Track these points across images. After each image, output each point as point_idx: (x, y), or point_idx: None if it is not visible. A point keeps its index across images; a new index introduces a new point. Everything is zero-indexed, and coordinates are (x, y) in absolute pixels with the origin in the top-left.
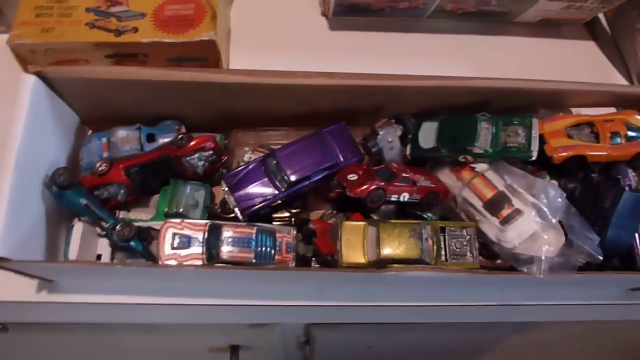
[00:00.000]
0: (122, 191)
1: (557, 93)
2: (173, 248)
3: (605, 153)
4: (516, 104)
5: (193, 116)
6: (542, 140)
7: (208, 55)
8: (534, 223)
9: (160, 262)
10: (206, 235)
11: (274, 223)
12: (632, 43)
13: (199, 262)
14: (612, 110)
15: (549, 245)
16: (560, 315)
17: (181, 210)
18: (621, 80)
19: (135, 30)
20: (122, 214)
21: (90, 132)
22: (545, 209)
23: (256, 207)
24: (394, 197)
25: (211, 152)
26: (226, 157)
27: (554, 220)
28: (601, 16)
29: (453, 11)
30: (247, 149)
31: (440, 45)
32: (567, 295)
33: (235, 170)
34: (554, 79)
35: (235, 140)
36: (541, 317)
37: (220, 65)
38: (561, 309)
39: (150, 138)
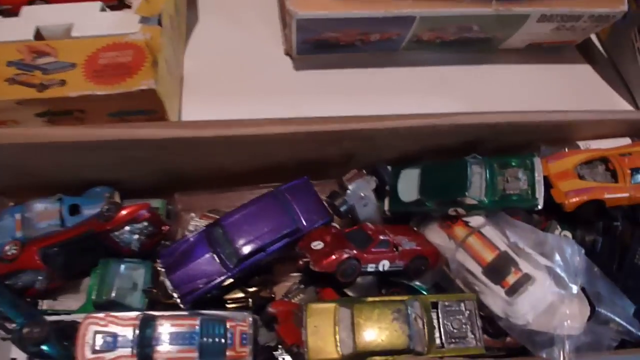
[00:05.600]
0: (39, 278)
1: (561, 126)
2: (95, 351)
3: (626, 195)
4: (512, 141)
5: (129, 180)
6: (547, 184)
7: (153, 107)
8: (549, 292)
9: None
10: (137, 332)
11: (228, 307)
12: (634, 63)
13: None
14: (627, 141)
15: (571, 320)
16: None
17: (113, 296)
18: (625, 106)
19: (63, 83)
20: (46, 304)
21: (11, 204)
22: (562, 273)
23: (199, 291)
24: (371, 267)
25: (146, 223)
26: (168, 228)
27: (574, 288)
28: (594, 38)
29: (431, 41)
30: (193, 214)
31: (421, 80)
32: None
33: (173, 246)
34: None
35: (181, 206)
36: None
37: (166, 118)
38: None
39: (74, 210)
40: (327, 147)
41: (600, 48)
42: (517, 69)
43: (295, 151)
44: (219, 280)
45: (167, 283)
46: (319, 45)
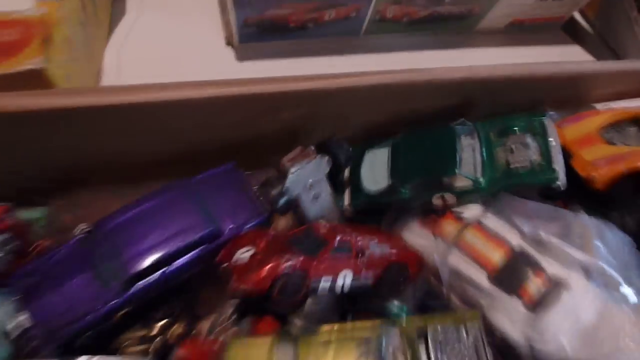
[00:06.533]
0: None
1: (574, 80)
2: None
3: None
4: (511, 103)
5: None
6: (565, 153)
7: None
8: (592, 299)
9: None
10: None
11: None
12: (631, 35)
13: None
14: None
15: (631, 339)
16: None
17: None
18: None
19: None
20: None
21: None
22: (609, 269)
23: (69, 328)
24: (325, 281)
25: (5, 235)
26: (40, 244)
27: (630, 291)
28: (579, 17)
29: (397, 20)
30: (84, 226)
31: (387, 69)
32: None
33: (34, 263)
34: None
35: (69, 215)
36: None
37: None
38: None
39: None
40: (260, 118)
41: (587, 27)
42: (498, 53)
43: (217, 128)
44: (99, 313)
45: (22, 320)
46: (265, 29)
